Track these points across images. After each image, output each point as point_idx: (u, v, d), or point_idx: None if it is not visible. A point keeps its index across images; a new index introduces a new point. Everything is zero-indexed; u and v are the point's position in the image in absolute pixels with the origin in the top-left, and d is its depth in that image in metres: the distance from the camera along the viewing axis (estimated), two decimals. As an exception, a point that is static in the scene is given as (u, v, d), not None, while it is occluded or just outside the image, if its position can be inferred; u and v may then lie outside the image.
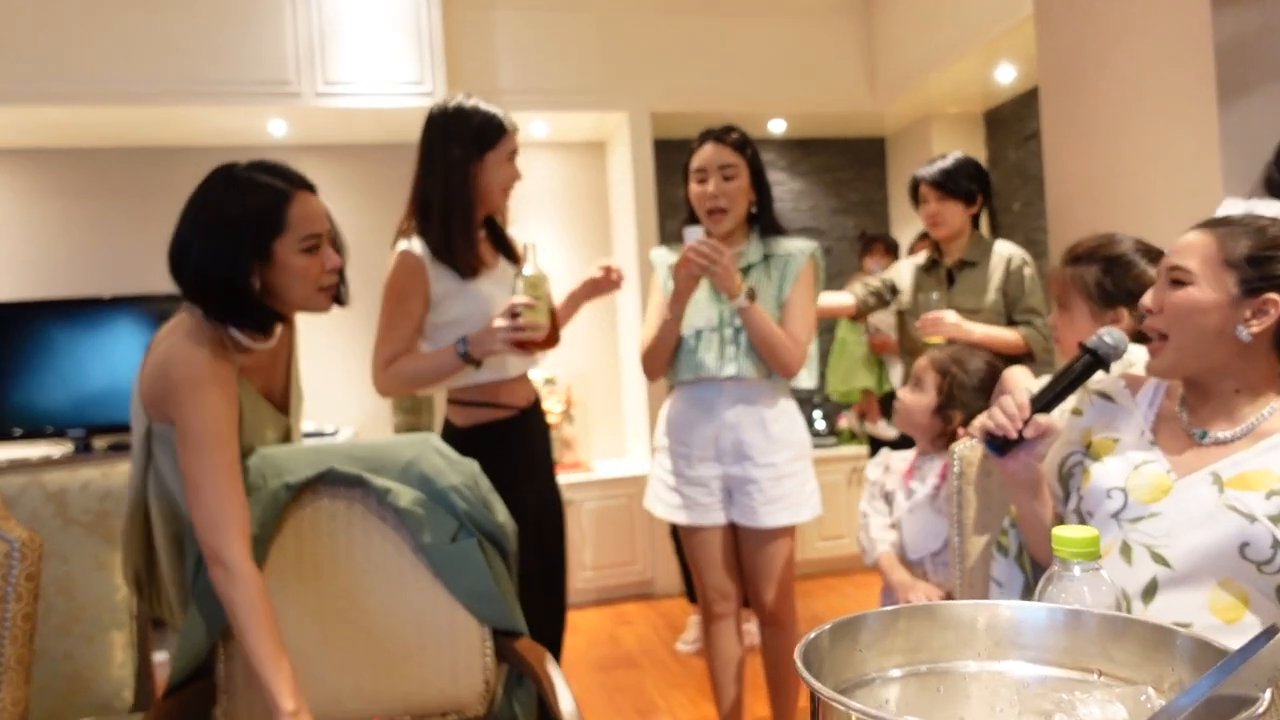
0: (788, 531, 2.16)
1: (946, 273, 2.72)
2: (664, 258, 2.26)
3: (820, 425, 4.54)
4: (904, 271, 2.87)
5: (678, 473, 2.19)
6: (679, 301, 2.09)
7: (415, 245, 1.98)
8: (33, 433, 3.66)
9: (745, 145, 2.14)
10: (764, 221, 2.19)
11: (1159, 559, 1.17)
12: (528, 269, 1.93)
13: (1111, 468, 1.27)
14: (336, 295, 1.60)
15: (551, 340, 1.98)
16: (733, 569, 2.21)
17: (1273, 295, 1.18)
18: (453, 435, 2.04)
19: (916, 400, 2.00)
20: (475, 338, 1.90)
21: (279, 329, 1.60)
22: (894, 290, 2.86)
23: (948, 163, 2.73)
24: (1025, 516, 1.36)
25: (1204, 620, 1.13)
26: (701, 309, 2.15)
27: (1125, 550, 1.20)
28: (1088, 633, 0.58)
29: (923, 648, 0.60)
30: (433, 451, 1.63)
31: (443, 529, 1.57)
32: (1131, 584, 1.18)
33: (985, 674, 0.59)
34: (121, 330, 3.72)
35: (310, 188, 1.53)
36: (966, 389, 1.96)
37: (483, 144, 1.97)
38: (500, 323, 1.87)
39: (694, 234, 2.02)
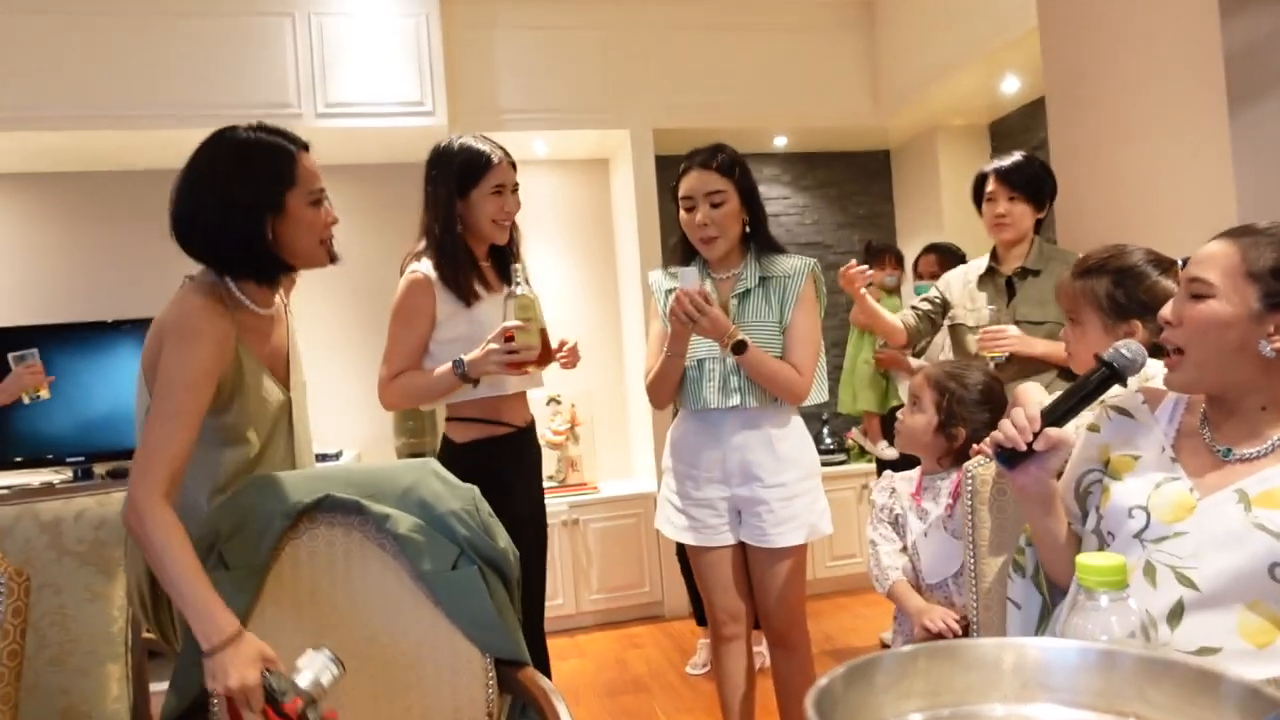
0: (799, 551, 2.11)
1: (1006, 281, 2.52)
2: (661, 282, 2.22)
3: (829, 442, 4.49)
4: (954, 284, 2.65)
5: (685, 494, 2.15)
6: (679, 342, 2.05)
7: (426, 267, 2.07)
8: (34, 460, 3.64)
9: (733, 167, 2.07)
10: (759, 241, 2.14)
11: (1185, 581, 1.12)
12: (519, 290, 1.98)
13: (1132, 486, 1.23)
14: (330, 252, 1.64)
15: (544, 360, 2.04)
16: (742, 590, 2.16)
17: None
18: (451, 451, 2.11)
19: (917, 420, 1.95)
20: (472, 358, 1.97)
21: (277, 300, 1.66)
22: (945, 308, 2.65)
23: (1018, 158, 2.51)
24: (1039, 533, 1.32)
25: (1233, 645, 1.08)
26: (701, 338, 2.10)
27: (1149, 571, 1.15)
28: (1123, 673, 0.53)
29: (944, 690, 0.54)
30: (432, 476, 1.59)
31: (443, 556, 1.53)
32: (1156, 606, 1.14)
33: (1012, 718, 0.54)
34: (124, 354, 3.69)
35: (307, 147, 1.59)
36: (966, 403, 1.92)
37: (464, 182, 2.07)
38: (494, 345, 1.94)
39: (687, 276, 1.97)
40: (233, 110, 3.52)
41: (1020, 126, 4.31)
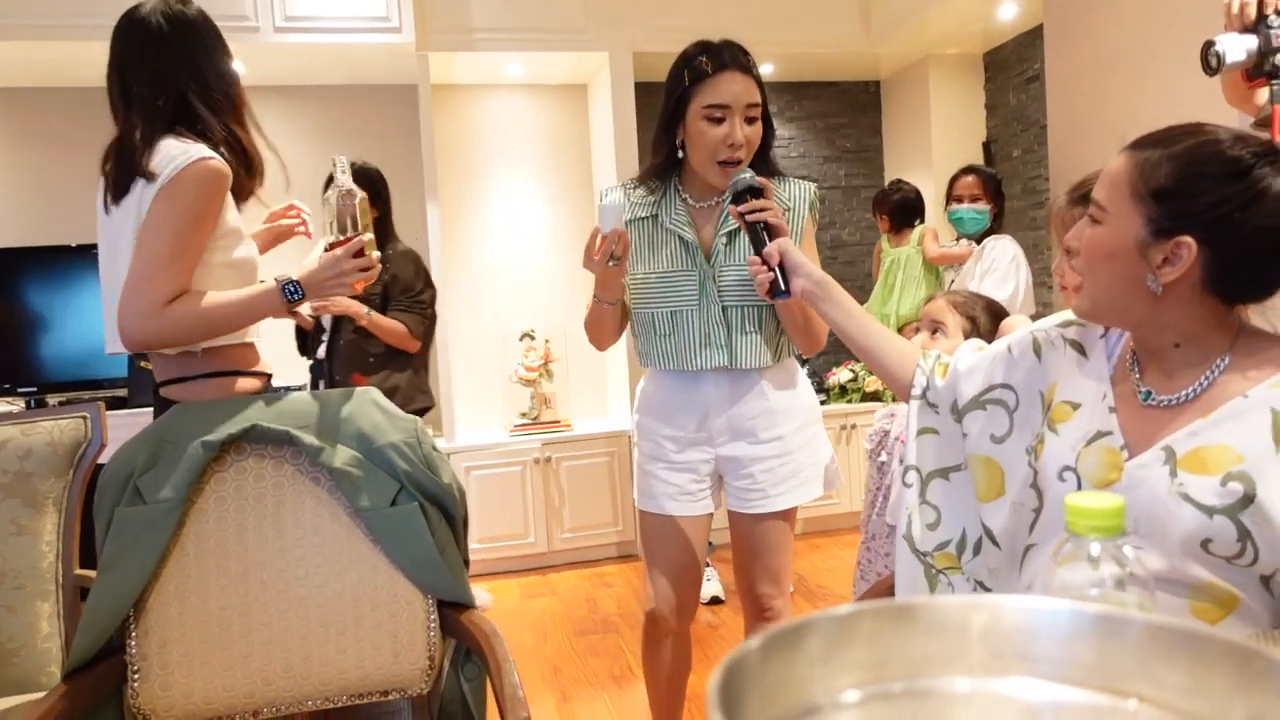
0: (793, 514, 1.86)
1: None
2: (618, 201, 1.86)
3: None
4: None
5: (663, 457, 1.86)
6: (608, 289, 1.75)
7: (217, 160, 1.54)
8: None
9: (758, 74, 1.77)
10: (766, 166, 1.79)
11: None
12: (350, 189, 1.54)
13: (1065, 441, 1.10)
14: None
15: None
16: (699, 573, 1.95)
17: (1184, 237, 0.96)
18: None
19: (945, 346, 1.84)
20: (314, 279, 1.52)
21: None
22: None
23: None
24: (843, 330, 1.37)
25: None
26: (674, 281, 1.77)
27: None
28: (1127, 644, 0.40)
29: (894, 660, 0.42)
30: (371, 406, 1.47)
31: (381, 491, 1.42)
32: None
33: (980, 696, 0.42)
34: (89, 280, 3.51)
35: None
36: (978, 322, 1.86)
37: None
38: (348, 263, 1.52)
39: (608, 214, 1.63)
40: (185, 22, 3.31)
41: (1015, 57, 4.14)
